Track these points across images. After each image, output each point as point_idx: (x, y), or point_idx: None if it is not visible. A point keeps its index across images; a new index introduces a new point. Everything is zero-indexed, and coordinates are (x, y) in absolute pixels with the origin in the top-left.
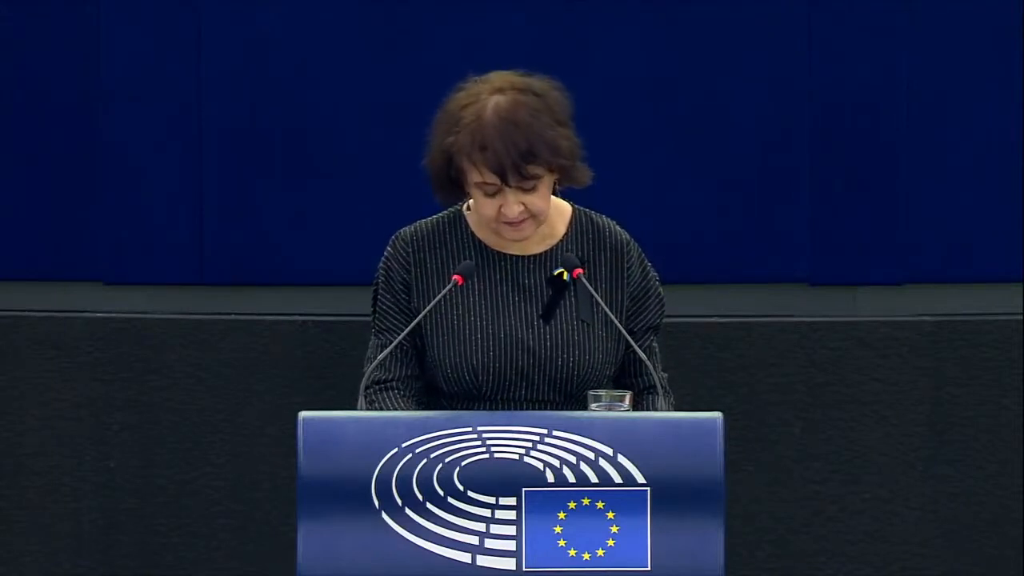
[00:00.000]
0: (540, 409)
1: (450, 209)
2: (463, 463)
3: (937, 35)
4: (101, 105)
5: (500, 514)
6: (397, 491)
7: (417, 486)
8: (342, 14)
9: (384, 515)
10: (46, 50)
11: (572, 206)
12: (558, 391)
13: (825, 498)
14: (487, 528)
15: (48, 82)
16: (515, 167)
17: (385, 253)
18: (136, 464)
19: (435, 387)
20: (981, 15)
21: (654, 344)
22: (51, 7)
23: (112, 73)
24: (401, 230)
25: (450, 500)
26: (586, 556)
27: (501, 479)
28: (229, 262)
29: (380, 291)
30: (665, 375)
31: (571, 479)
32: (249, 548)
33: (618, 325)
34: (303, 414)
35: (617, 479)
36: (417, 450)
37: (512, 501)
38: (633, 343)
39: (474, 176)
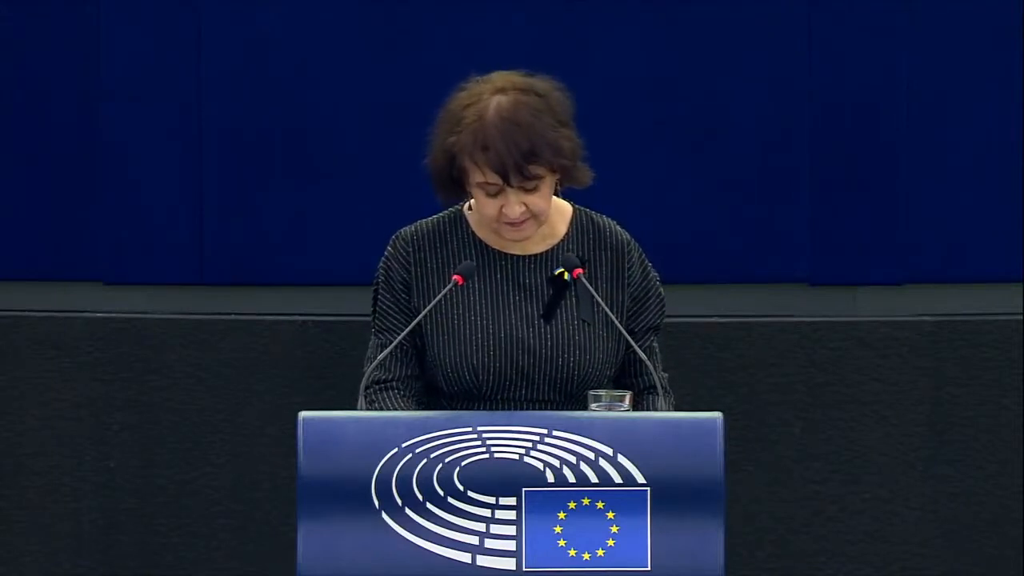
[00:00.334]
0: (540, 409)
1: (451, 209)
2: (463, 463)
3: (937, 35)
4: (101, 105)
5: (500, 514)
6: (397, 491)
7: (417, 486)
8: (342, 14)
9: (384, 515)
10: (46, 50)
11: (573, 206)
12: (558, 391)
13: (825, 498)
14: (487, 528)
15: (48, 82)
16: (517, 167)
17: (385, 253)
18: (136, 464)
19: (435, 387)
20: (981, 15)
21: (654, 344)
22: (51, 7)
23: (112, 73)
24: (401, 230)
25: (450, 500)
26: (586, 556)
27: (501, 479)
28: (229, 262)
29: (380, 291)
30: (665, 375)
31: (571, 479)
32: (249, 548)
33: (618, 325)
34: (303, 414)
35: (617, 479)
36: (417, 450)
37: (512, 501)
38: (633, 343)
39: (476, 176)
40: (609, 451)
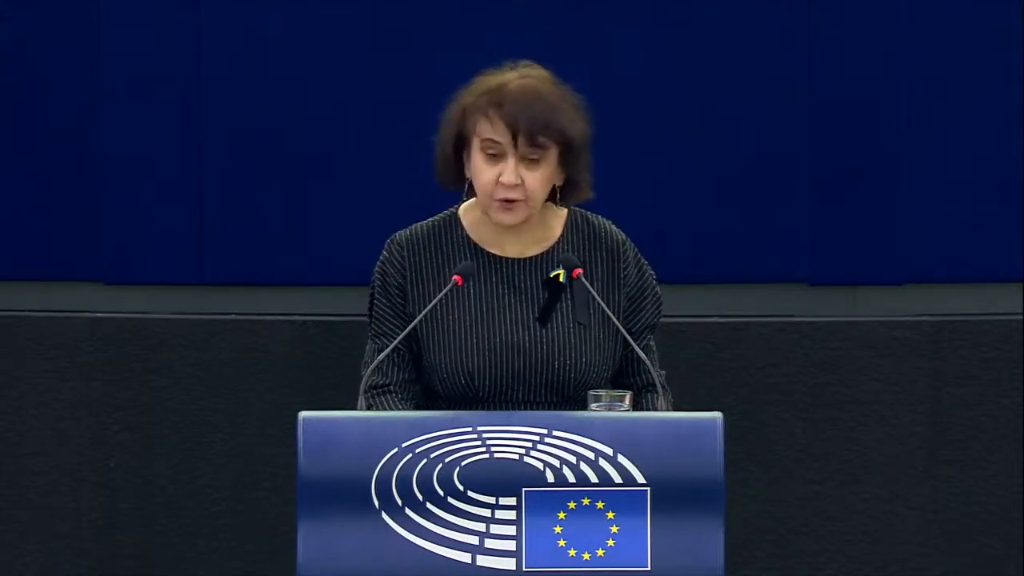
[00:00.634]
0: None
1: (445, 212)
2: (463, 463)
3: (937, 35)
4: (101, 105)
5: (500, 514)
6: (397, 491)
7: (417, 486)
8: (342, 14)
9: (384, 515)
10: (46, 50)
11: (568, 207)
12: (555, 394)
13: (825, 498)
14: (487, 528)
15: (48, 82)
16: (528, 129)
17: (380, 257)
18: (136, 464)
19: (433, 391)
20: (981, 15)
21: (652, 343)
22: (51, 7)
23: (112, 73)
24: (396, 233)
25: (450, 500)
26: (586, 556)
27: (501, 479)
28: (229, 262)
29: (376, 295)
30: (663, 373)
31: (571, 479)
32: (249, 548)
33: (618, 325)
34: (303, 414)
35: (617, 479)
36: (417, 450)
37: (512, 501)
38: (633, 343)
39: (484, 130)
40: (609, 451)
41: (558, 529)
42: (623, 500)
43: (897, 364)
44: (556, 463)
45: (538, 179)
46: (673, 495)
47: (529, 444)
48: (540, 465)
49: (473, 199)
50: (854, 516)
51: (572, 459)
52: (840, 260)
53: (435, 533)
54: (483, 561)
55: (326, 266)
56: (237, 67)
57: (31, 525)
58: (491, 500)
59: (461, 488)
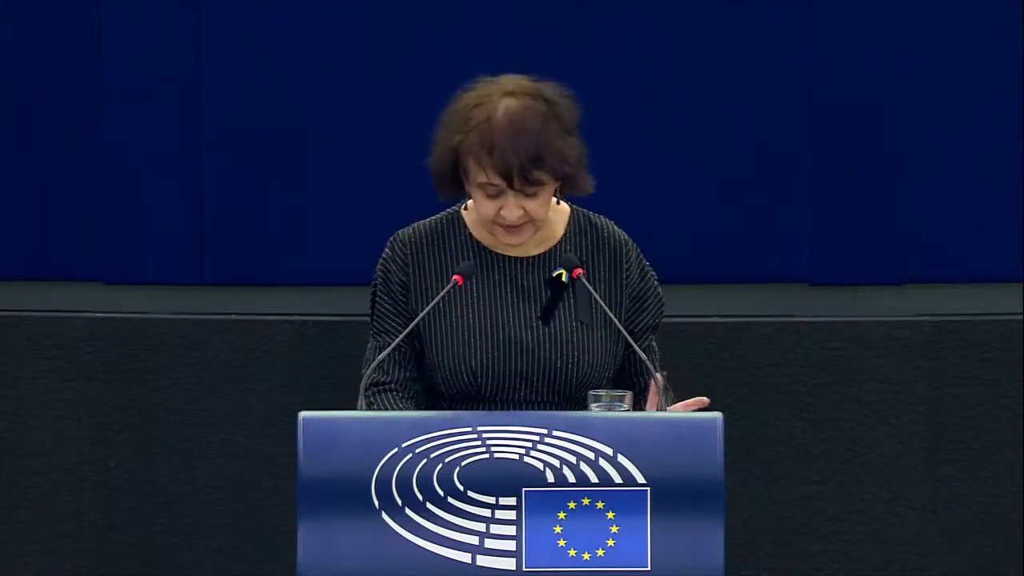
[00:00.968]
0: (539, 410)
1: (448, 210)
2: (463, 463)
3: (937, 35)
4: (101, 105)
5: (500, 514)
6: (397, 491)
7: (417, 486)
8: (342, 14)
9: (384, 515)
10: (46, 50)
11: (571, 207)
12: (557, 392)
13: (825, 498)
14: (487, 528)
15: (48, 82)
16: (521, 171)
17: (383, 255)
18: (136, 464)
19: (434, 389)
20: (981, 15)
21: (653, 344)
22: (51, 7)
23: (112, 73)
24: (399, 231)
25: (450, 500)
26: (586, 556)
27: (501, 479)
28: (229, 262)
29: (378, 293)
30: (664, 373)
31: (571, 479)
32: (249, 548)
33: (618, 324)
34: (303, 414)
35: (617, 479)
36: (417, 450)
37: (512, 501)
38: (634, 343)
39: (478, 176)
40: (609, 451)
41: (558, 529)
42: (623, 500)
43: (897, 364)
44: (556, 463)
45: (539, 204)
46: (673, 495)
47: (529, 444)
48: (540, 465)
49: None
50: (854, 516)
51: (572, 459)
52: (840, 260)
53: (435, 533)
54: (483, 561)
55: (326, 266)
56: (237, 67)
57: (31, 525)
58: (491, 500)
59: (461, 488)
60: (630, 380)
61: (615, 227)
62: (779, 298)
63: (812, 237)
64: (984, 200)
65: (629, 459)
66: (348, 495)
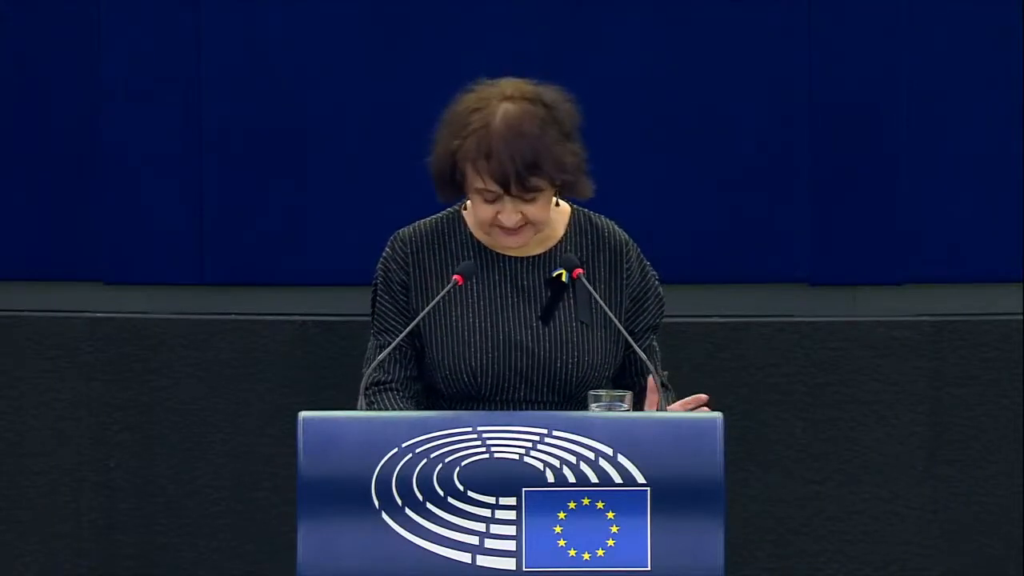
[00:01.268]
0: (540, 410)
1: (449, 210)
2: (463, 463)
3: (937, 35)
4: (101, 105)
5: (500, 514)
6: (397, 491)
7: (417, 486)
8: (342, 14)
9: (384, 515)
10: (46, 50)
11: (571, 207)
12: (557, 392)
13: (825, 498)
14: (487, 528)
15: (48, 82)
16: (518, 178)
17: (384, 254)
18: (136, 464)
19: (435, 389)
20: (981, 15)
21: (654, 344)
22: (51, 7)
23: (112, 73)
24: (400, 231)
25: (450, 500)
26: (586, 556)
27: (501, 479)
28: (229, 262)
29: (379, 292)
30: (665, 373)
31: (571, 479)
32: (249, 548)
33: (618, 325)
34: (303, 414)
35: (617, 479)
36: (417, 450)
37: (512, 501)
38: (634, 344)
39: (476, 182)
40: (609, 451)
41: (558, 529)
42: (623, 500)
43: (897, 364)
44: (556, 463)
45: (537, 209)
46: (673, 495)
47: (529, 444)
48: (540, 465)
49: None
50: (854, 516)
51: (572, 459)
52: (840, 260)
53: (435, 533)
54: (483, 561)
55: (326, 266)
56: (237, 67)
57: (31, 525)
58: (491, 500)
59: (461, 488)
60: (630, 380)
61: (616, 227)
62: (779, 298)
63: (812, 237)
64: (984, 200)
65: (629, 459)
66: (348, 495)
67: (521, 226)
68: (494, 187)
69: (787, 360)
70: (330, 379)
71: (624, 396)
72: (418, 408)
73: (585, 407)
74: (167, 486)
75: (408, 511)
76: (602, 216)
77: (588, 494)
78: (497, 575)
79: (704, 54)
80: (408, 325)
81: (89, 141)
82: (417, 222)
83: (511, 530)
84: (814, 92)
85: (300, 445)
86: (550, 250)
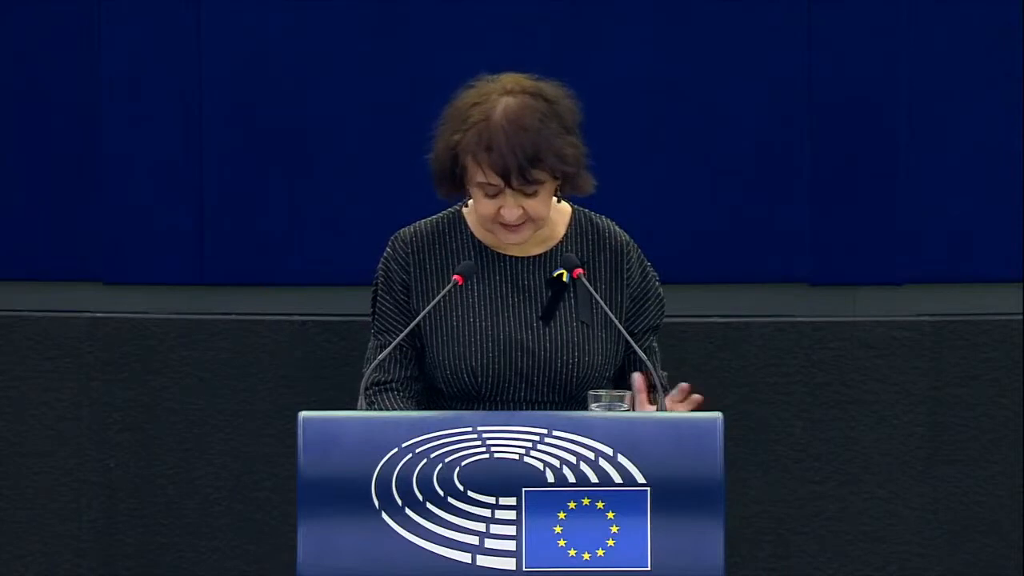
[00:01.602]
0: (540, 410)
1: (449, 210)
2: (463, 463)
3: (937, 35)
4: (101, 105)
5: (500, 514)
6: (397, 491)
7: (417, 486)
8: (342, 14)
9: (384, 515)
10: (46, 49)
11: (572, 207)
12: (558, 392)
13: (825, 498)
14: (487, 528)
15: (48, 82)
16: (519, 170)
17: (384, 254)
18: (136, 464)
19: (435, 388)
20: (981, 15)
21: (654, 344)
22: (51, 7)
23: (112, 72)
24: (400, 231)
25: (450, 500)
26: (586, 556)
27: (501, 479)
28: (229, 262)
29: (379, 292)
30: (664, 374)
31: (571, 479)
32: (249, 548)
33: (618, 325)
34: (303, 414)
35: (617, 479)
36: (417, 450)
37: (512, 501)
38: (634, 344)
39: (477, 176)
40: (609, 451)
41: (558, 529)
42: (623, 500)
43: (897, 364)
44: (556, 463)
45: (538, 203)
46: (673, 495)
47: (529, 444)
48: (540, 465)
49: None
50: (854, 516)
51: (572, 459)
52: (840, 260)
53: (435, 533)
54: (483, 561)
55: (326, 266)
56: (237, 67)
57: (31, 525)
58: (491, 500)
59: (461, 488)
60: (630, 381)
61: (616, 227)
62: (779, 298)
63: (812, 237)
64: (984, 200)
65: (629, 459)
66: (348, 495)
67: (522, 222)
68: (495, 180)
69: (787, 360)
70: (330, 379)
71: (624, 396)
72: (418, 408)
73: (585, 407)
74: (167, 486)
75: (408, 511)
76: (603, 216)
77: (588, 494)
78: (497, 575)
79: (704, 53)
80: (408, 325)
81: (89, 141)
82: (417, 222)
83: (511, 530)
84: (814, 92)
85: (300, 445)
86: (551, 250)
